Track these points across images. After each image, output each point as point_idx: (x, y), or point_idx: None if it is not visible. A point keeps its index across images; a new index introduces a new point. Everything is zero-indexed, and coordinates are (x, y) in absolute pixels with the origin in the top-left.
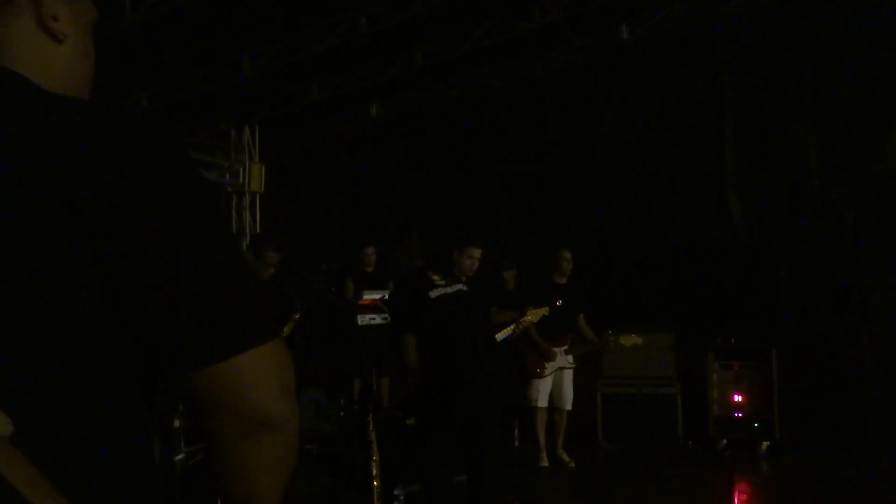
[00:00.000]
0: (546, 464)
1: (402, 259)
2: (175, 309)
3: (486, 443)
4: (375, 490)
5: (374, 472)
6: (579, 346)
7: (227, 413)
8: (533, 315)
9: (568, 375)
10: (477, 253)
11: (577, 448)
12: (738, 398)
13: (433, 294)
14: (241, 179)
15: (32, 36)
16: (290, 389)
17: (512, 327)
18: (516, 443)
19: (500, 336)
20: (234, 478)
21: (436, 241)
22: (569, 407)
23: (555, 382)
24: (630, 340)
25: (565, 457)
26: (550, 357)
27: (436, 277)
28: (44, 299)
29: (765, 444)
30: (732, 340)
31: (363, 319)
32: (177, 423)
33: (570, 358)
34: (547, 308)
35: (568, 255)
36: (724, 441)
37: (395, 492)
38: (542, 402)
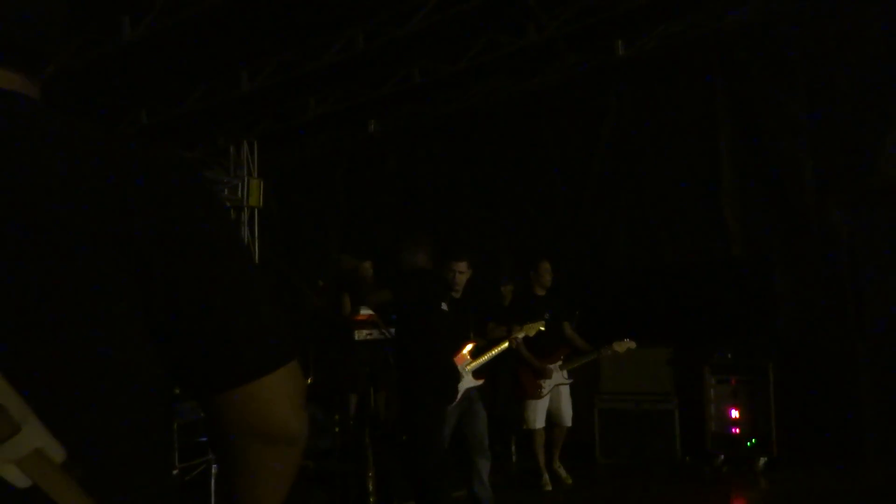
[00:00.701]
0: (550, 488)
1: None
2: (209, 335)
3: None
4: None
5: (370, 487)
6: (574, 359)
7: (251, 428)
8: (528, 329)
9: (565, 391)
10: (461, 267)
11: (574, 463)
12: (735, 414)
13: (444, 307)
14: (239, 194)
15: None
16: (304, 406)
17: (506, 343)
18: (513, 458)
19: (493, 353)
20: (251, 485)
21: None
22: (569, 423)
23: (552, 400)
24: (624, 346)
25: (562, 472)
26: (546, 375)
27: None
28: (96, 329)
29: (762, 460)
30: (729, 356)
31: (360, 335)
32: None
33: (565, 373)
34: (543, 322)
35: (548, 266)
36: (722, 457)
37: None
38: (540, 423)
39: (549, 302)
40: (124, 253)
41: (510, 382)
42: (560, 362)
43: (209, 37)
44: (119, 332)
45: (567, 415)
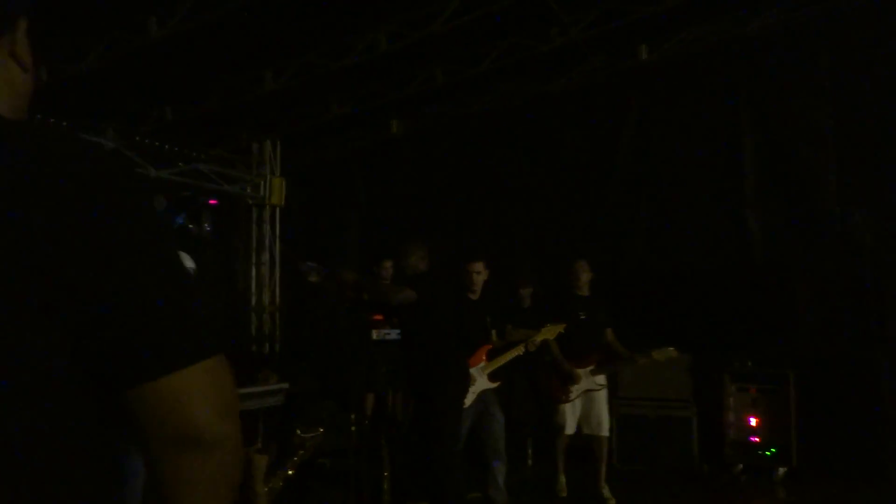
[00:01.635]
0: (565, 494)
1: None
2: (116, 328)
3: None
4: None
5: (386, 487)
6: (607, 366)
7: (161, 430)
8: (547, 332)
9: (600, 398)
10: (478, 267)
11: (589, 468)
12: (754, 422)
13: (457, 306)
14: (261, 192)
15: (6, 66)
16: (229, 408)
17: (523, 346)
18: (529, 462)
19: (510, 355)
20: (168, 495)
21: (451, 256)
22: (605, 433)
23: (584, 407)
24: (664, 355)
25: (606, 492)
26: (574, 379)
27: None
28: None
29: (781, 470)
30: (749, 363)
31: (378, 334)
32: None
33: (598, 378)
34: (563, 325)
35: (585, 265)
36: (740, 466)
37: None
38: (570, 428)
39: (588, 304)
40: (24, 247)
41: (527, 385)
42: (592, 367)
43: (234, 37)
44: (29, 330)
45: (603, 424)
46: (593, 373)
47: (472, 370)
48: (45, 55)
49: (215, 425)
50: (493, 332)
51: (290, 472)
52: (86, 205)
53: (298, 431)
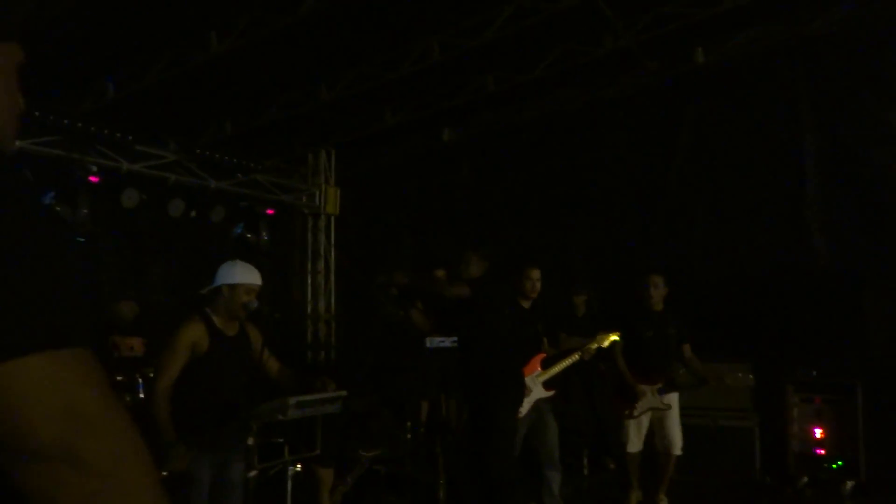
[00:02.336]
0: None
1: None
2: None
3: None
4: None
5: (441, 494)
6: (675, 386)
7: None
8: (601, 340)
9: (671, 416)
10: (537, 274)
11: (647, 481)
12: (819, 433)
13: (515, 309)
14: (317, 202)
15: None
16: (76, 414)
17: (578, 354)
18: (585, 471)
19: (565, 364)
20: None
21: (504, 263)
22: (677, 451)
23: (654, 425)
24: (738, 382)
25: (664, 502)
26: (638, 395)
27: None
28: None
29: (849, 484)
30: (814, 373)
31: (432, 342)
32: (251, 441)
33: (666, 399)
34: (618, 333)
35: (659, 280)
36: (805, 479)
37: None
38: (633, 446)
39: (659, 319)
40: None
41: (583, 394)
42: (659, 385)
43: (290, 50)
44: None
45: (674, 442)
46: (660, 392)
47: (527, 379)
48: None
49: (58, 430)
50: (545, 340)
51: (349, 487)
52: None
53: (361, 451)
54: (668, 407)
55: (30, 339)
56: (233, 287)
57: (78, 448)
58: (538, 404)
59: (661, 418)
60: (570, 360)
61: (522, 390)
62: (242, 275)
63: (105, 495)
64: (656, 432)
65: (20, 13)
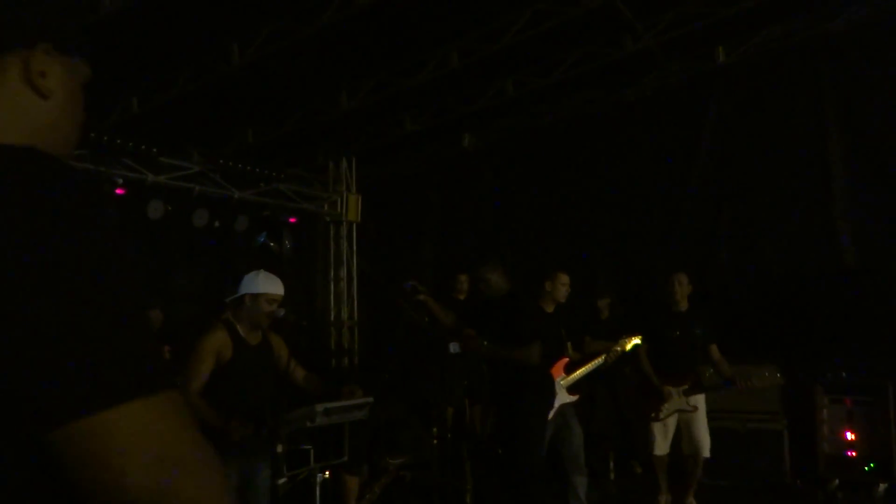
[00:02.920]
0: None
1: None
2: (33, 358)
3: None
4: None
5: (468, 500)
6: (702, 388)
7: (87, 483)
8: (625, 343)
9: (698, 418)
10: (567, 279)
11: (674, 484)
12: (850, 436)
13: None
14: (338, 209)
15: (16, 91)
16: (171, 459)
17: (602, 357)
18: (611, 475)
19: (589, 368)
20: None
21: (528, 269)
22: (705, 453)
23: (681, 427)
24: (767, 382)
25: None
26: (663, 397)
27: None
28: None
29: (882, 487)
30: (843, 374)
31: (455, 347)
32: (280, 449)
33: (692, 400)
34: (640, 336)
35: (682, 279)
36: (836, 481)
37: None
38: (660, 449)
39: (684, 319)
40: None
41: (608, 398)
42: (685, 387)
43: (310, 60)
44: None
45: (702, 444)
46: (686, 393)
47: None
48: (99, 87)
49: (150, 480)
50: (569, 344)
51: (376, 496)
52: (33, 227)
53: (388, 458)
54: (695, 408)
55: (125, 386)
56: (255, 297)
57: (170, 492)
58: (562, 409)
59: (687, 420)
60: (593, 364)
61: (552, 396)
62: (265, 285)
63: None
64: (683, 435)
65: (84, 31)
